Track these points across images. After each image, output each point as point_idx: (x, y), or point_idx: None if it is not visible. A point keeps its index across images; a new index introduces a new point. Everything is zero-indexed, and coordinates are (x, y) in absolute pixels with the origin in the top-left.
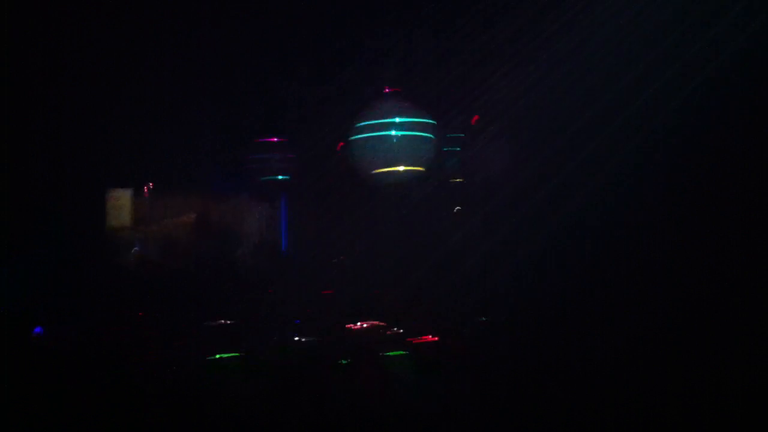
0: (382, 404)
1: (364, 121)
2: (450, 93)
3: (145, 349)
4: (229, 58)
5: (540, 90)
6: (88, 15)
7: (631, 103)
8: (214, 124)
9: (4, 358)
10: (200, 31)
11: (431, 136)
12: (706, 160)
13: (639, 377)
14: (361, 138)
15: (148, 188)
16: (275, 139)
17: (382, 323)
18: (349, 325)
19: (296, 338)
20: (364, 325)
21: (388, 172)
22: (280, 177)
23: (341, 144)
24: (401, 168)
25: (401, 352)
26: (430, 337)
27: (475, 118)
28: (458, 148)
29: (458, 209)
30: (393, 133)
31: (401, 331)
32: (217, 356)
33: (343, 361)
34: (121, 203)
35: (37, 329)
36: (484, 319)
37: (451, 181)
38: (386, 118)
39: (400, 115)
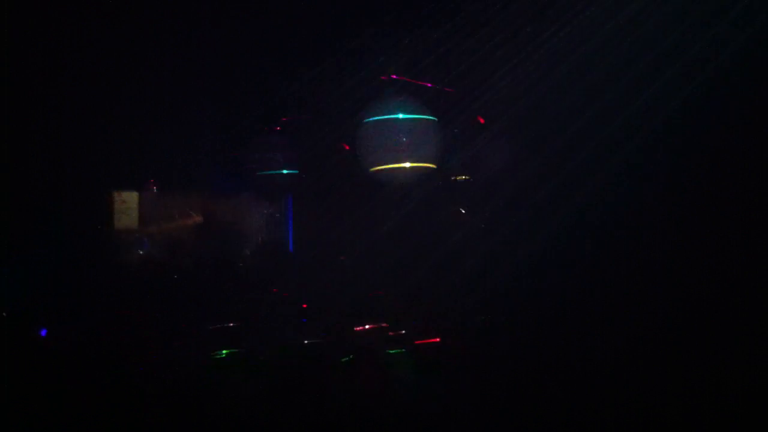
0: (382, 404)
1: (370, 110)
2: (450, 92)
3: (145, 349)
4: (229, 58)
5: (539, 90)
6: (88, 15)
7: (631, 103)
8: (214, 124)
9: (5, 358)
10: (200, 31)
11: (435, 119)
12: (706, 160)
13: (639, 377)
14: (367, 125)
15: (149, 188)
16: (277, 128)
17: (383, 324)
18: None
19: (298, 338)
20: (366, 327)
21: (394, 169)
22: (285, 171)
23: (347, 147)
24: (407, 164)
25: (400, 350)
26: (431, 337)
27: (477, 118)
28: (459, 148)
29: (459, 208)
30: (400, 116)
31: (403, 331)
32: (220, 354)
33: (344, 359)
34: (122, 203)
35: (44, 332)
36: (484, 319)
37: (454, 178)
38: (391, 102)
39: (404, 101)
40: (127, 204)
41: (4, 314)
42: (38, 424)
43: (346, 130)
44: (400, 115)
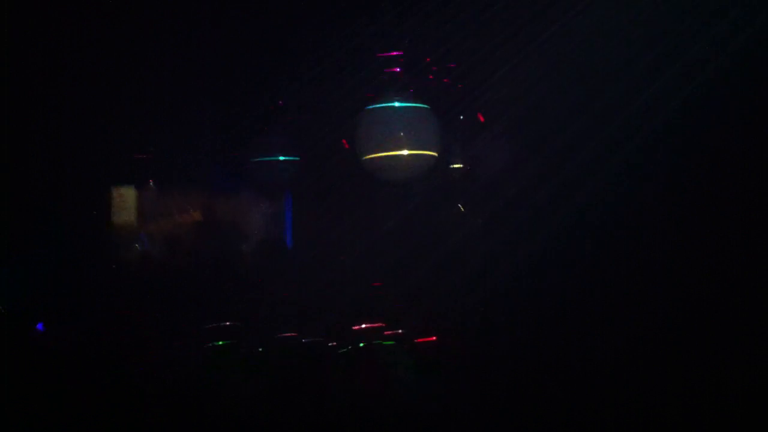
0: (382, 404)
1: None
2: (451, 92)
3: (144, 349)
4: (230, 58)
5: (539, 89)
6: (88, 15)
7: (631, 103)
8: (214, 124)
9: (4, 358)
10: (200, 31)
11: (427, 107)
12: (706, 160)
13: (639, 377)
14: (364, 113)
15: (149, 187)
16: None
17: (382, 324)
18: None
19: (298, 338)
20: (363, 326)
21: (392, 158)
22: (281, 158)
23: (346, 144)
24: (405, 152)
25: (391, 342)
26: (431, 337)
27: (478, 115)
28: (459, 138)
29: (459, 208)
30: (396, 104)
31: (401, 331)
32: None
33: (343, 350)
34: (121, 202)
35: (39, 325)
36: (484, 319)
37: (454, 167)
38: (389, 92)
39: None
40: (126, 201)
41: (2, 310)
42: (38, 424)
43: (345, 128)
44: (397, 104)
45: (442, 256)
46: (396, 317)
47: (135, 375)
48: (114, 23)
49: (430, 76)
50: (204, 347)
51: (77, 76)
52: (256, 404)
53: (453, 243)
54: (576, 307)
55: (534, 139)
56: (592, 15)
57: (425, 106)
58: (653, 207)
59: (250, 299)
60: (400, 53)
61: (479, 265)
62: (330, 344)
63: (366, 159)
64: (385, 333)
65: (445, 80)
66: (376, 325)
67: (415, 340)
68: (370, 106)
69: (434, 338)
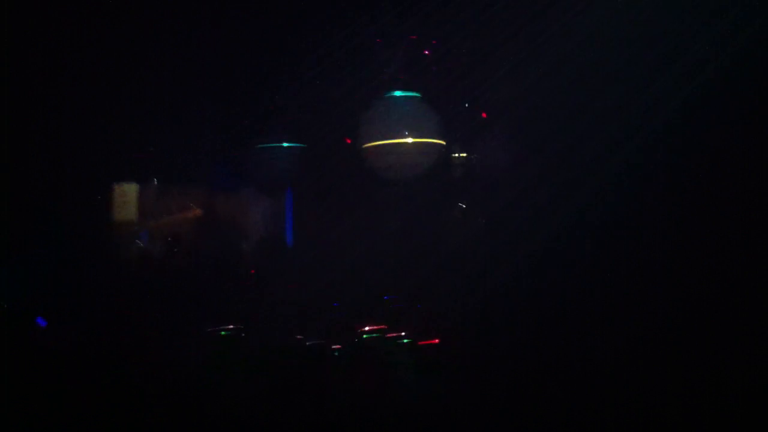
0: (382, 404)
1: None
2: (452, 91)
3: (145, 349)
4: (230, 58)
5: (540, 90)
6: (88, 15)
7: (631, 103)
8: (214, 124)
9: (5, 358)
10: (200, 31)
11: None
12: (706, 160)
13: (639, 377)
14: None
15: (149, 187)
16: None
17: (383, 326)
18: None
19: (299, 338)
20: (366, 328)
21: (395, 144)
22: (285, 144)
23: (348, 141)
24: (410, 140)
25: (377, 334)
26: (432, 337)
27: (482, 116)
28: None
29: (459, 208)
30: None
31: (402, 333)
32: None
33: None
34: (122, 200)
35: (39, 320)
36: (484, 319)
37: (455, 155)
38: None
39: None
40: (127, 200)
41: (5, 306)
42: (38, 424)
43: (347, 126)
44: (398, 93)
45: (443, 256)
46: (396, 319)
47: (134, 374)
48: (114, 23)
49: (430, 76)
50: (204, 347)
51: (77, 76)
52: (257, 404)
53: (453, 243)
54: (576, 307)
55: (534, 139)
56: (592, 15)
57: (419, 94)
58: (653, 207)
59: (250, 299)
60: (402, 52)
61: (479, 265)
62: (330, 344)
63: (370, 147)
64: (387, 336)
65: (445, 80)
66: (376, 327)
67: (417, 342)
68: (376, 98)
69: (437, 341)
